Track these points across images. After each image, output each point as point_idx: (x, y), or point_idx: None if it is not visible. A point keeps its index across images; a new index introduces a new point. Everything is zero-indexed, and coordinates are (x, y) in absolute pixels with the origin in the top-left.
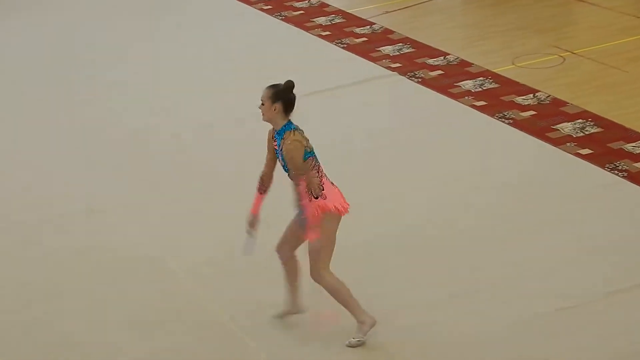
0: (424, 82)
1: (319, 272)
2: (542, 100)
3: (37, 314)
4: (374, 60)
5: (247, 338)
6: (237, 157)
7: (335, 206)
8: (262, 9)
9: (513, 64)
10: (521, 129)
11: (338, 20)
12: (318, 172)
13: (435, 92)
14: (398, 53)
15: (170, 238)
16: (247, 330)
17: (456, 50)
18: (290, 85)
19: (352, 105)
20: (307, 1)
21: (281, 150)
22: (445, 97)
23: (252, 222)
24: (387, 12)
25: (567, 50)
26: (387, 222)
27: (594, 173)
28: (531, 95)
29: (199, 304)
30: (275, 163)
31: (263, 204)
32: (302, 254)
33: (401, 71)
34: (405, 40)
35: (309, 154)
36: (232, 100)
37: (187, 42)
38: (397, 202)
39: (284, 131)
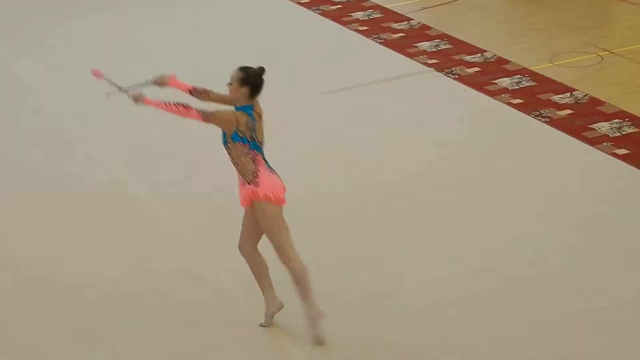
0: (461, 78)
1: (286, 256)
2: (579, 99)
3: (75, 305)
4: (410, 56)
5: (283, 337)
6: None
7: (265, 193)
8: (299, 3)
9: (550, 62)
10: (557, 128)
11: (376, 15)
12: (254, 161)
13: (471, 89)
14: (435, 49)
15: (204, 232)
16: (282, 329)
17: (493, 47)
18: (260, 71)
19: (388, 101)
20: None
21: None
22: (482, 94)
23: (160, 81)
24: (425, 7)
25: (605, 50)
26: (418, 217)
27: (631, 173)
28: (568, 94)
29: (233, 302)
30: (215, 98)
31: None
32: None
33: (438, 67)
34: (443, 37)
35: (242, 140)
36: (264, 93)
37: (221, 35)
38: (429, 198)
39: (238, 110)
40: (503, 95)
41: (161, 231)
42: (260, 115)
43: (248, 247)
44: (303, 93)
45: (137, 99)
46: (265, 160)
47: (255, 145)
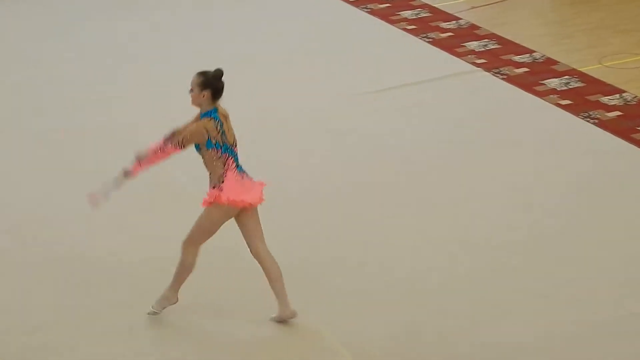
0: (509, 79)
1: (187, 246)
2: (628, 101)
3: (127, 296)
4: (459, 55)
5: (324, 329)
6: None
7: (227, 198)
8: (347, 1)
9: (600, 63)
10: (606, 129)
11: (424, 14)
12: (224, 165)
13: (520, 89)
14: (484, 49)
15: None
16: (322, 319)
17: (542, 47)
18: (219, 73)
19: (436, 100)
20: None
21: None
22: (530, 95)
23: (127, 175)
24: (473, 7)
25: None
26: (465, 221)
27: None
28: (617, 95)
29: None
30: (184, 131)
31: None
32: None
33: (486, 67)
34: (491, 36)
35: (215, 145)
36: (311, 91)
37: (269, 33)
38: (477, 200)
39: (204, 116)
40: (551, 96)
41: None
42: (225, 117)
43: (257, 247)
44: (350, 92)
45: (127, 176)
46: (238, 164)
47: (226, 148)
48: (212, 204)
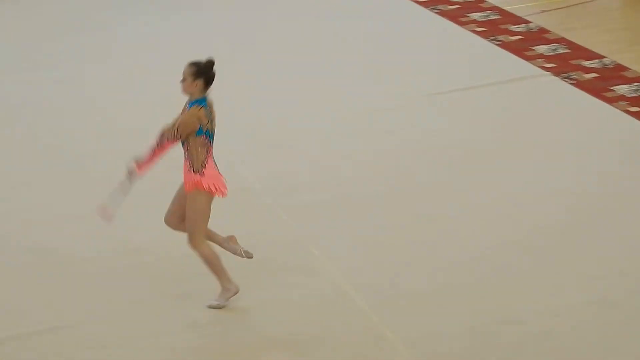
0: (578, 84)
1: (195, 242)
2: None
3: (185, 293)
4: (527, 59)
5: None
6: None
7: (209, 185)
8: (417, 1)
9: None
10: None
11: (494, 17)
12: (207, 152)
13: (588, 94)
14: (553, 53)
15: (313, 225)
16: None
17: (612, 53)
18: (211, 63)
19: (503, 103)
20: None
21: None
22: (599, 101)
23: (133, 175)
24: (543, 11)
25: None
26: (526, 223)
27: None
28: None
29: (340, 298)
30: (172, 127)
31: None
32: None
33: (555, 72)
34: (561, 41)
35: (205, 133)
36: (377, 91)
37: (337, 33)
38: (542, 204)
39: (193, 104)
40: (621, 102)
41: (272, 223)
42: (211, 106)
43: (174, 222)
44: (416, 93)
45: (132, 177)
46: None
47: (211, 136)
48: (194, 189)
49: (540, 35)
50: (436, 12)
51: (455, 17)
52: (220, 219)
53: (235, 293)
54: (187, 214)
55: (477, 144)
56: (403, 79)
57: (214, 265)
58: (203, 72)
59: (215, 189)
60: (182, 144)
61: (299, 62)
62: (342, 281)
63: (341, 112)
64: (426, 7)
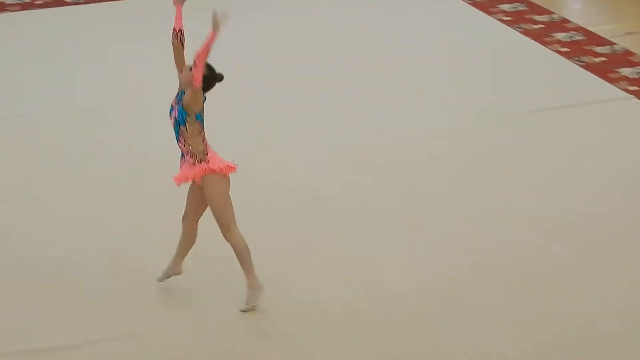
0: None
1: (230, 233)
2: None
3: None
4: (611, 81)
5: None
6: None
7: (219, 167)
8: (501, 20)
9: None
10: None
11: (578, 38)
12: (203, 141)
13: None
14: (638, 76)
15: (385, 242)
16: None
17: None
18: (219, 78)
19: (585, 126)
20: (548, 15)
21: (180, 100)
22: None
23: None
24: (628, 33)
25: None
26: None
27: None
28: None
29: (408, 318)
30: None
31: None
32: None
33: (639, 95)
34: None
35: (202, 120)
36: (456, 108)
37: (418, 47)
38: (622, 231)
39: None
40: None
41: (345, 237)
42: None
43: (190, 221)
44: (496, 111)
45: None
46: None
47: (202, 120)
48: (208, 174)
49: (625, 58)
50: (520, 31)
51: (539, 36)
52: (297, 234)
53: (261, 290)
54: (210, 206)
55: (553, 162)
56: (484, 97)
57: (246, 260)
58: (209, 79)
59: (226, 167)
60: (178, 140)
61: (313, 62)
62: (415, 302)
63: (423, 126)
64: (510, 25)
